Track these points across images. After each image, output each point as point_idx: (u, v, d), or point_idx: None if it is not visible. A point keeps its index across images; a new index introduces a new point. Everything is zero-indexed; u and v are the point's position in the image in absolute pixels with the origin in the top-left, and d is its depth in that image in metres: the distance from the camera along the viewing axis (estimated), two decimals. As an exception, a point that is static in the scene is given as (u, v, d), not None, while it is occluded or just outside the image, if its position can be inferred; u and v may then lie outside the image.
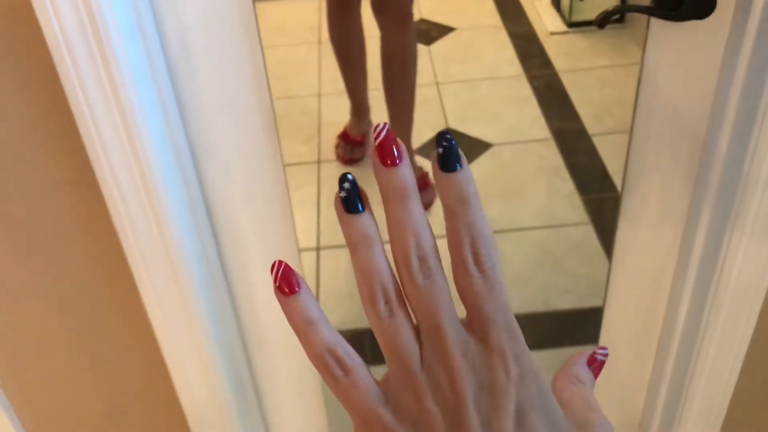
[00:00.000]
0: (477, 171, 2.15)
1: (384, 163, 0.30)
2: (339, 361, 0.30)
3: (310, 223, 2.00)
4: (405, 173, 0.30)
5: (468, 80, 2.53)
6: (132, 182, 0.79)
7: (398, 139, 0.30)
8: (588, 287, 1.74)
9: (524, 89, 2.46)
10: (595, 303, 1.67)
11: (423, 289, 0.30)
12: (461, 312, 0.30)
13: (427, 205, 1.87)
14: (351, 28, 2.09)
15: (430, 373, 0.30)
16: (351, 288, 1.84)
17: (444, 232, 0.30)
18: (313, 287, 1.81)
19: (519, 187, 2.08)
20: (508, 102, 2.42)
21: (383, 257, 0.30)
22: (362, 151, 2.22)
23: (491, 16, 2.88)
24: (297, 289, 0.30)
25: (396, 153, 0.30)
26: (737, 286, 0.93)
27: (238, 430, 1.08)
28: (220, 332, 0.98)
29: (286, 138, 2.24)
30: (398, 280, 0.31)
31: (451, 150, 0.30)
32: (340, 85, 2.20)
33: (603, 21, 0.73)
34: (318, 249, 1.92)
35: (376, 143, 0.30)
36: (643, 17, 0.77)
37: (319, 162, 2.23)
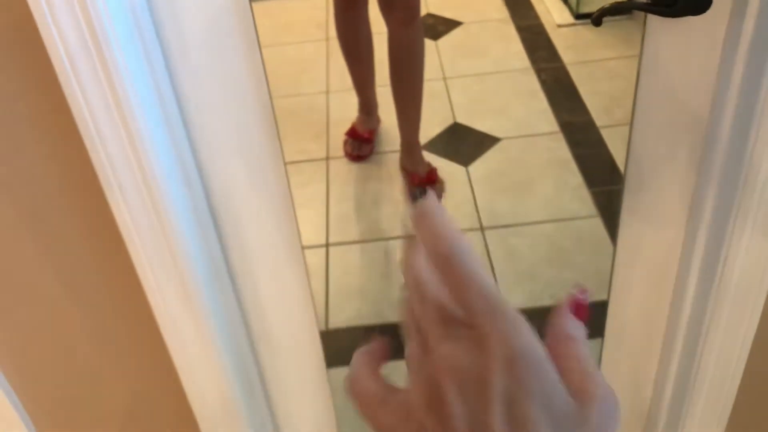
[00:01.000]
0: (485, 165, 2.15)
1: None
2: None
3: (319, 220, 2.01)
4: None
5: (475, 74, 2.53)
6: (134, 183, 0.80)
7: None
8: (597, 281, 1.74)
9: (532, 83, 2.45)
10: (604, 297, 1.66)
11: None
12: None
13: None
14: (358, 26, 2.09)
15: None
16: (360, 284, 1.85)
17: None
18: (322, 284, 1.82)
19: (527, 180, 2.07)
20: (516, 96, 2.42)
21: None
22: (370, 148, 2.22)
23: (498, 10, 2.87)
24: None
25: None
26: (741, 277, 0.93)
27: (248, 429, 1.09)
28: (227, 331, 0.99)
29: (295, 135, 2.24)
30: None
31: None
32: (348, 81, 2.21)
33: (598, 19, 0.73)
34: (327, 245, 1.93)
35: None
36: (647, 10, 0.77)
37: (327, 159, 2.23)
